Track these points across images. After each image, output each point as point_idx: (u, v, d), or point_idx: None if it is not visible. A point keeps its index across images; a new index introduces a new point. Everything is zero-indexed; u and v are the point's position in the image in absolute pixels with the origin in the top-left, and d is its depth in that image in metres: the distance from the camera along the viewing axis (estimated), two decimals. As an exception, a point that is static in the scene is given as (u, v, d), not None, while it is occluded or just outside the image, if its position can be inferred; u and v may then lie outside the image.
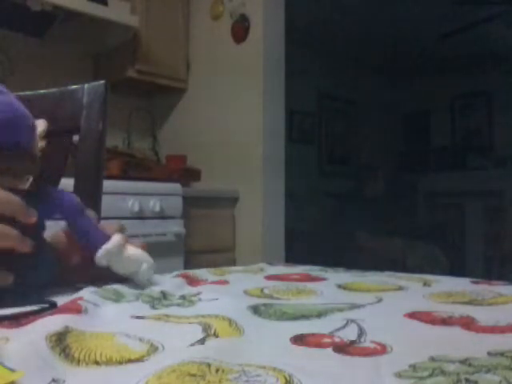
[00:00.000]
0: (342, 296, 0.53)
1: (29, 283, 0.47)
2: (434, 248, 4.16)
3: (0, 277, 0.45)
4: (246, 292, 0.54)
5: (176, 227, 2.29)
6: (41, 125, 0.54)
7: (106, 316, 0.42)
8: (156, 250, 2.50)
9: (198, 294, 0.52)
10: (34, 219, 0.48)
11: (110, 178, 2.06)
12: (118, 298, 0.50)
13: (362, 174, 5.03)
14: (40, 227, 0.51)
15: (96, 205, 0.89)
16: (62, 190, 0.55)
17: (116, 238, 0.53)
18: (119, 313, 0.44)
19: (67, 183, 0.88)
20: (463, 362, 0.30)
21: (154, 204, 2.21)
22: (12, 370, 0.28)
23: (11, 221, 0.46)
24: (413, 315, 0.43)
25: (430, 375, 0.28)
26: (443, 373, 0.28)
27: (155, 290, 0.53)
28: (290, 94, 2.64)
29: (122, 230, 0.57)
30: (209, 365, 0.29)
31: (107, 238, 0.53)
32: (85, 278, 0.56)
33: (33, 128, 0.52)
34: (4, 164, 0.48)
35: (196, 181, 2.66)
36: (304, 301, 0.50)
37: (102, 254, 0.52)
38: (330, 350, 0.33)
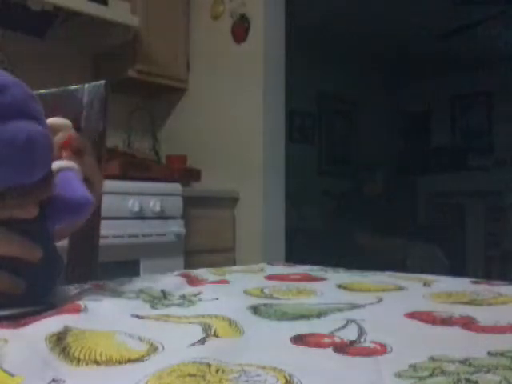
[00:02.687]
0: (342, 296, 0.53)
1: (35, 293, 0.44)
2: (434, 248, 4.15)
3: (12, 284, 0.42)
4: (246, 292, 0.54)
5: (176, 227, 2.29)
6: (65, 131, 0.48)
7: (105, 314, 0.42)
8: (156, 250, 2.49)
9: (198, 293, 0.52)
10: (38, 256, 0.43)
11: (109, 177, 2.06)
12: (117, 294, 0.50)
13: (362, 173, 5.03)
14: (48, 237, 0.47)
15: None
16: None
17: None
18: (119, 311, 0.43)
19: (67, 183, 0.88)
20: (463, 362, 0.30)
21: (154, 204, 2.20)
22: (11, 375, 0.27)
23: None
24: (413, 315, 0.43)
25: (430, 375, 0.28)
26: (443, 373, 0.28)
27: (155, 289, 0.53)
28: (290, 94, 2.64)
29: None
30: (209, 365, 0.29)
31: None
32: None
33: (50, 148, 0.43)
34: (18, 201, 0.42)
35: (196, 181, 2.66)
36: (304, 301, 0.50)
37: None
38: (330, 349, 0.33)
